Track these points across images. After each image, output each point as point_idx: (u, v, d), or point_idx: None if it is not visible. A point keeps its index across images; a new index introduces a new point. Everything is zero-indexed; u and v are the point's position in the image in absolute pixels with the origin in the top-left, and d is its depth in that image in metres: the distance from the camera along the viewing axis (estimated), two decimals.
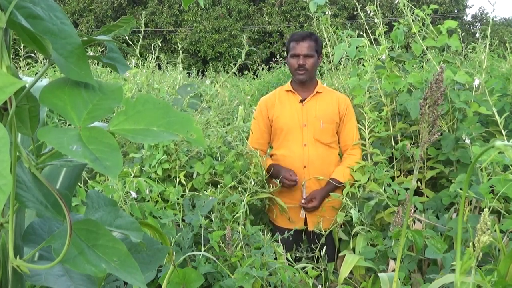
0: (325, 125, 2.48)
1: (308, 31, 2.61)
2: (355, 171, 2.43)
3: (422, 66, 2.72)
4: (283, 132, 2.54)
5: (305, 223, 2.52)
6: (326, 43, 3.21)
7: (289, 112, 2.54)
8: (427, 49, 2.57)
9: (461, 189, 1.99)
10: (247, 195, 2.10)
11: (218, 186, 2.16)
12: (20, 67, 3.97)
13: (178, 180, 2.16)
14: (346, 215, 2.32)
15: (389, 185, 2.32)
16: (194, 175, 2.25)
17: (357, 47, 2.71)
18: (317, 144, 2.49)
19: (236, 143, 2.40)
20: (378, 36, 2.78)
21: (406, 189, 2.29)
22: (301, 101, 2.54)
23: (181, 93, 2.54)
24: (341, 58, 3.58)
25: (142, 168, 2.25)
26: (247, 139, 2.55)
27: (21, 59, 3.93)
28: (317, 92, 2.55)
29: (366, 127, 2.46)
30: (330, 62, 3.43)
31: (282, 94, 2.61)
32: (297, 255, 2.34)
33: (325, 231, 2.34)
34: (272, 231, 2.24)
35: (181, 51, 3.65)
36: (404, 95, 2.43)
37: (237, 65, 2.71)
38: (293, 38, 2.53)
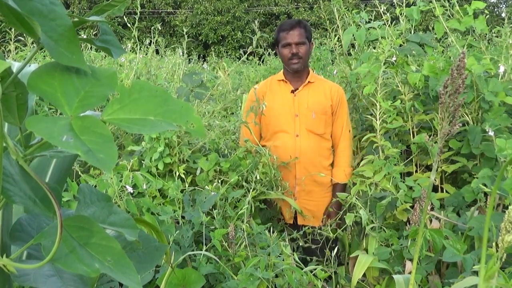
0: (317, 115, 2.58)
1: (296, 19, 2.70)
2: (364, 170, 2.44)
3: (442, 52, 2.68)
4: (274, 122, 2.62)
5: (295, 218, 2.62)
6: (338, 26, 3.19)
7: (280, 102, 2.63)
8: (448, 31, 2.53)
9: (485, 185, 1.98)
10: (252, 191, 2.10)
11: (222, 183, 2.16)
12: (10, 51, 3.96)
13: (177, 174, 2.17)
14: (355, 216, 2.31)
15: (403, 181, 2.31)
16: (198, 172, 2.25)
17: (368, 29, 2.68)
18: (310, 135, 2.58)
19: (245, 139, 2.41)
20: (400, 14, 2.74)
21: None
22: (292, 91, 2.63)
23: (186, 81, 2.52)
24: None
25: (142, 162, 2.25)
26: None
27: (11, 42, 3.92)
28: (309, 82, 2.64)
29: (378, 117, 2.45)
30: (341, 47, 3.40)
31: (274, 83, 2.72)
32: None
33: (317, 228, 2.40)
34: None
35: (186, 37, 3.60)
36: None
37: (246, 53, 2.71)
38: (282, 28, 2.61)
